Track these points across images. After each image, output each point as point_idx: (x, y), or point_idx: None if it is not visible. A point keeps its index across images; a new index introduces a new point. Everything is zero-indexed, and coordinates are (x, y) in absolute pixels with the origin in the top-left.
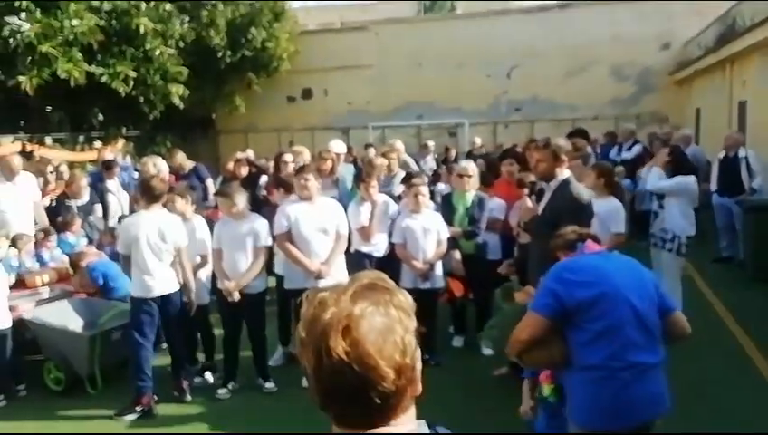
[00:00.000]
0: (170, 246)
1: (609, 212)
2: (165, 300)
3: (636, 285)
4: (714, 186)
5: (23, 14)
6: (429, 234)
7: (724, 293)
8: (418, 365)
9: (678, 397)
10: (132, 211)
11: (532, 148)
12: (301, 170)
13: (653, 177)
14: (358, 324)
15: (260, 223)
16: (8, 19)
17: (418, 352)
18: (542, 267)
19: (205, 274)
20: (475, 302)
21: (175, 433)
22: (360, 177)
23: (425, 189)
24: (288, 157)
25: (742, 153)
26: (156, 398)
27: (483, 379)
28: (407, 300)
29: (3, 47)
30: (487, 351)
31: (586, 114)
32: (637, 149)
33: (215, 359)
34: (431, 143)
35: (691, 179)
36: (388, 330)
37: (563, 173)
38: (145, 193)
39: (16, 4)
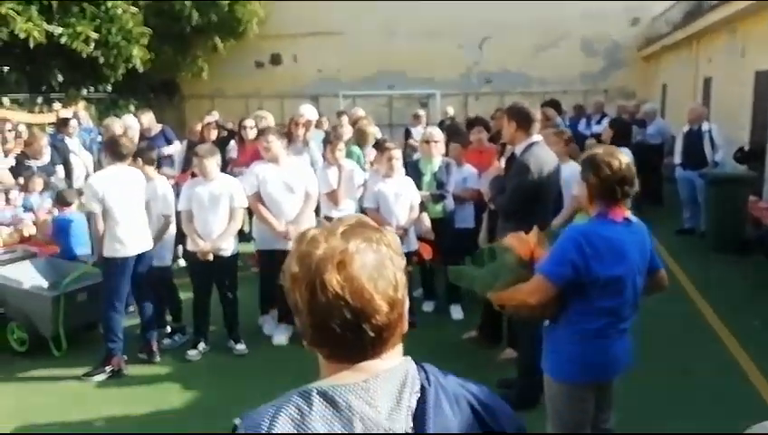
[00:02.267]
0: (142, 204)
1: (570, 175)
2: (137, 260)
3: (642, 258)
4: (677, 159)
5: None
6: (401, 198)
7: (686, 262)
8: (407, 303)
9: (640, 354)
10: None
11: (498, 116)
12: (262, 133)
13: None
14: (352, 259)
15: (234, 184)
16: None
17: (406, 290)
18: (506, 224)
19: (168, 235)
20: (444, 267)
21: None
22: (328, 141)
23: (398, 153)
24: (249, 122)
25: (705, 127)
26: (125, 359)
27: (453, 343)
28: (395, 240)
29: None
30: (457, 315)
31: (556, 88)
32: (606, 122)
33: (182, 320)
34: (422, 112)
35: (626, 152)
36: (380, 265)
37: (531, 138)
38: (112, 151)
39: None
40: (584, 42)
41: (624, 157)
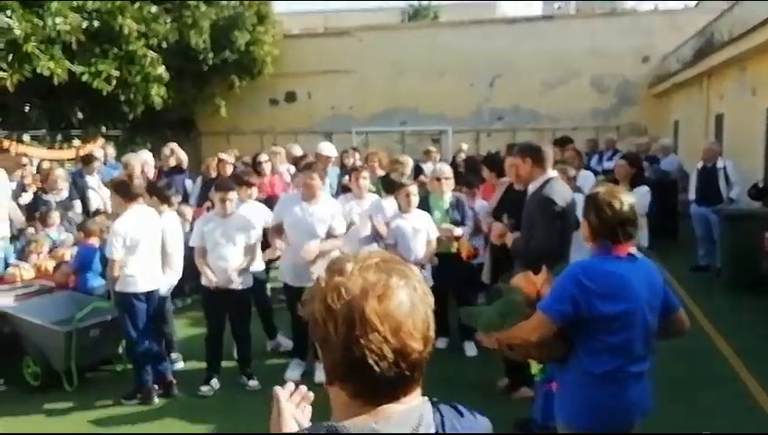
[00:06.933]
0: (158, 243)
1: None
2: (149, 296)
3: (651, 295)
4: (692, 195)
5: (8, 12)
6: (419, 234)
7: (702, 300)
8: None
9: (658, 396)
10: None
11: (507, 154)
12: (308, 168)
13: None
14: (392, 295)
15: (249, 219)
16: None
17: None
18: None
19: (170, 269)
20: (457, 303)
21: (150, 433)
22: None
23: (414, 189)
24: (263, 157)
25: (720, 164)
26: (156, 388)
27: (467, 379)
28: (422, 278)
29: None
30: (471, 352)
31: (567, 125)
32: (618, 158)
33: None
34: (433, 149)
35: (645, 190)
36: (416, 302)
37: (546, 174)
38: (123, 193)
39: None
40: (594, 79)
41: (627, 197)
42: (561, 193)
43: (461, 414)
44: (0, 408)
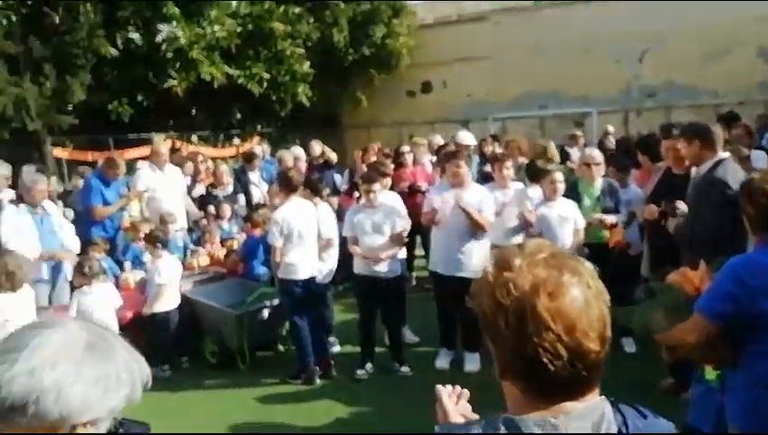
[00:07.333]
0: (314, 233)
1: None
2: (308, 282)
3: None
4: None
5: (173, 23)
6: (566, 222)
7: None
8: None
9: None
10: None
11: (663, 136)
12: (453, 156)
13: None
14: (565, 291)
15: (395, 209)
16: (161, 27)
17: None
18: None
19: (328, 257)
20: (612, 299)
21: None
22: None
23: (560, 176)
24: (405, 148)
25: None
26: (318, 369)
27: (626, 377)
28: (595, 273)
29: (154, 53)
30: (629, 348)
31: (731, 99)
32: None
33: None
34: (579, 133)
35: None
36: (593, 298)
37: (718, 155)
38: (284, 184)
39: (164, 10)
40: (762, 48)
41: None
42: (735, 175)
43: (644, 416)
44: (181, 383)
